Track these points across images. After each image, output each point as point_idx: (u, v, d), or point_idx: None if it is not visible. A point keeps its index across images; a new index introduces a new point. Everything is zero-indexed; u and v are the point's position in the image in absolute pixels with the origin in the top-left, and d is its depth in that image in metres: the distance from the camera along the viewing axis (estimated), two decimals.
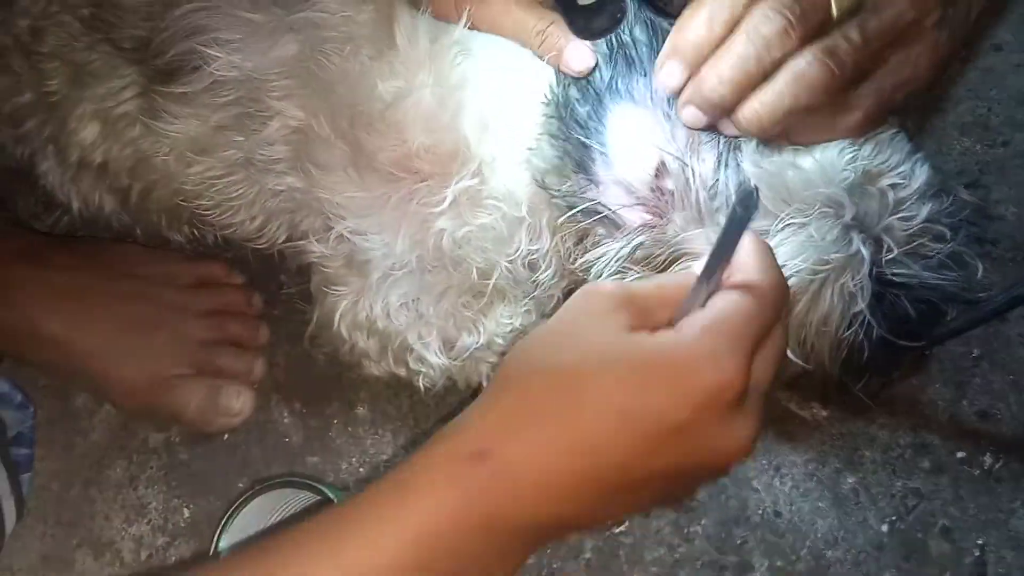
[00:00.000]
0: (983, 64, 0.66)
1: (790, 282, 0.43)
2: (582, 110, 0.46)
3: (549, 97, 0.48)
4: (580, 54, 0.45)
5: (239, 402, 0.66)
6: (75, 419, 0.71)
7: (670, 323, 0.37)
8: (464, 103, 0.50)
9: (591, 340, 0.36)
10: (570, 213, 0.47)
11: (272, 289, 0.71)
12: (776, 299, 0.37)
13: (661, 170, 0.46)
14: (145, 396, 0.66)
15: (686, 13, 0.42)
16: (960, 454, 0.58)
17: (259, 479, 0.64)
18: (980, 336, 0.60)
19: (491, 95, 0.50)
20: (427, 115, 0.49)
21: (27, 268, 0.65)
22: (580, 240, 0.52)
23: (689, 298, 0.37)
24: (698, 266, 0.37)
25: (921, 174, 0.45)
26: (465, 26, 0.49)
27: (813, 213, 0.44)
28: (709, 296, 0.37)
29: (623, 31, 0.45)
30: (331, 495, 0.54)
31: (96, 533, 0.67)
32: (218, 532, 0.55)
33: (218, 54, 0.53)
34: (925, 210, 0.45)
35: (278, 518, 0.58)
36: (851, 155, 0.44)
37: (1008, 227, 0.62)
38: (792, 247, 0.44)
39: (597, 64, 0.45)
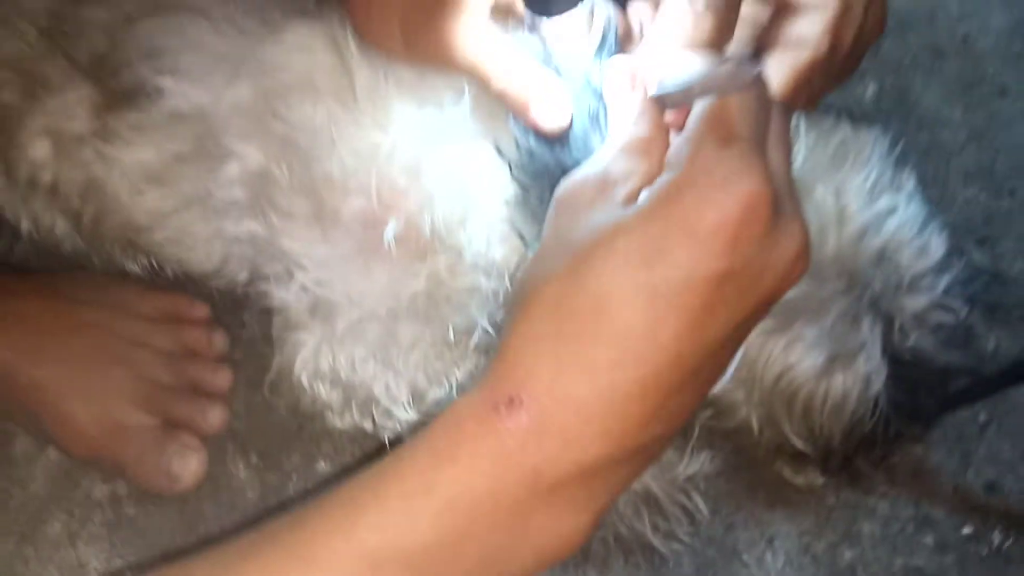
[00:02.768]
0: (988, 109, 0.63)
1: (806, 367, 0.41)
2: (552, 158, 0.42)
3: (511, 154, 0.44)
4: (554, 109, 0.41)
5: (189, 467, 0.61)
6: (13, 467, 0.66)
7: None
8: (434, 162, 0.46)
9: (584, 235, 0.31)
10: None
11: (234, 328, 0.67)
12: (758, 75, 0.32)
13: None
14: (92, 441, 0.61)
15: None
16: (966, 530, 0.55)
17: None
18: (986, 401, 0.56)
19: (462, 154, 0.46)
20: (394, 174, 0.46)
21: None
22: None
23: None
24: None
25: (938, 248, 0.42)
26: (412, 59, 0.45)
27: (836, 291, 0.42)
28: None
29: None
30: None
31: None
32: None
33: (175, 85, 0.50)
34: (941, 284, 0.42)
35: None
36: (872, 228, 0.42)
37: (1017, 285, 0.59)
38: (815, 333, 0.42)
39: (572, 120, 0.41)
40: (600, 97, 0.40)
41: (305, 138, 0.48)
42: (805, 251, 0.30)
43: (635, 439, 0.30)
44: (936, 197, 0.62)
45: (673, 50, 0.37)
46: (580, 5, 0.42)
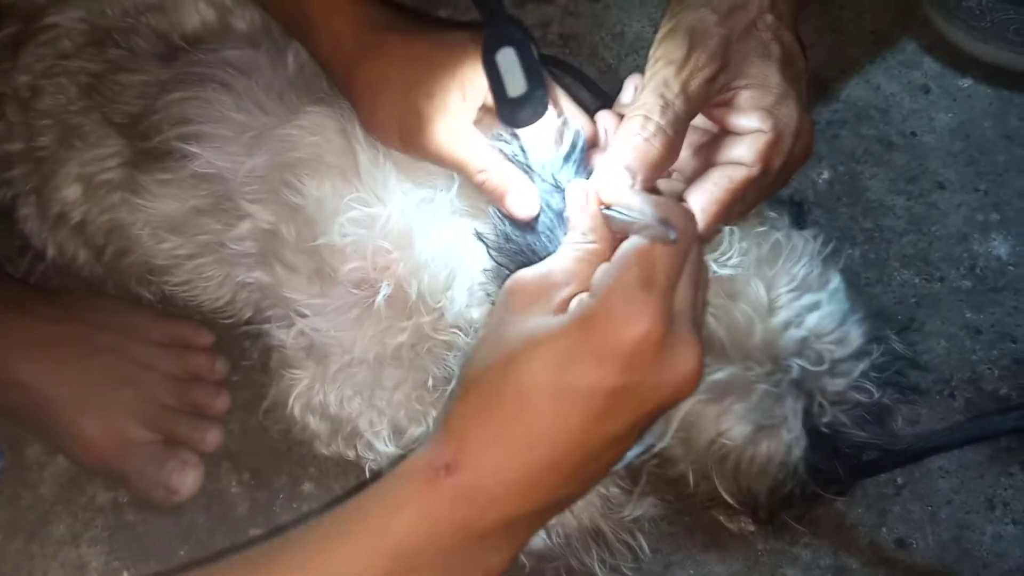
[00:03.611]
0: (927, 200, 0.69)
1: (735, 435, 0.47)
2: (524, 242, 0.48)
3: (489, 237, 0.50)
4: (524, 201, 0.48)
5: (186, 482, 0.66)
6: (25, 471, 0.71)
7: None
8: (425, 235, 0.52)
9: (520, 331, 0.38)
10: None
11: (235, 354, 0.72)
12: (683, 231, 0.39)
13: None
14: (99, 453, 0.67)
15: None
16: None
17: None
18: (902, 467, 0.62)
19: (449, 229, 0.52)
20: (388, 243, 0.52)
21: (11, 316, 0.66)
22: None
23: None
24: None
25: (856, 337, 0.49)
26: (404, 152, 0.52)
27: (764, 370, 0.48)
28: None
29: (575, 175, 0.48)
30: None
31: None
32: None
33: (199, 151, 0.56)
34: (857, 370, 0.48)
35: None
36: (796, 320, 0.48)
37: (938, 360, 0.65)
38: (743, 408, 0.49)
39: (541, 210, 0.48)
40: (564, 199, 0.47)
41: (311, 206, 0.54)
42: (696, 373, 0.38)
43: (547, 499, 0.38)
44: (875, 278, 0.68)
45: (625, 182, 0.44)
46: (545, 119, 0.49)
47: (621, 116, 0.49)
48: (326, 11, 0.51)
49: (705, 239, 0.46)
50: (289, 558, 0.38)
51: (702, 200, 0.45)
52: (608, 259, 0.40)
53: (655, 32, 0.77)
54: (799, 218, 0.56)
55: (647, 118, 0.45)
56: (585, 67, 0.77)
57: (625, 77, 0.78)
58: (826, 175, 0.71)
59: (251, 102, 0.56)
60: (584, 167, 0.48)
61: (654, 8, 0.79)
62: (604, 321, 0.36)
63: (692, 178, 0.47)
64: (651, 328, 0.36)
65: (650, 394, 0.37)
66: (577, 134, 0.49)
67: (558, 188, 0.48)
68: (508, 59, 0.48)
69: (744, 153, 0.46)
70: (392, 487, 0.39)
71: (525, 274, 0.41)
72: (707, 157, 0.48)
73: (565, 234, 0.46)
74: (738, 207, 0.47)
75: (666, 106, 0.45)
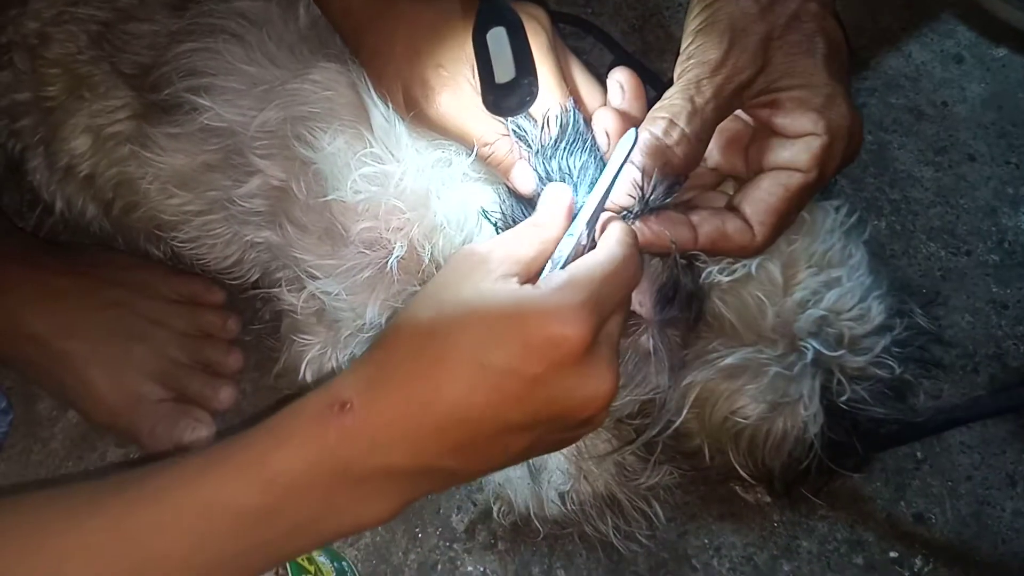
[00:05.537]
0: (956, 172, 0.68)
1: (749, 412, 0.46)
2: (524, 219, 0.47)
3: (493, 211, 0.49)
4: (525, 177, 0.47)
5: (196, 440, 0.66)
6: (36, 425, 0.71)
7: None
8: (440, 197, 0.51)
9: (457, 296, 0.38)
10: None
11: (246, 315, 0.72)
12: (631, 273, 0.40)
13: None
14: (111, 408, 0.67)
15: None
16: (893, 554, 0.60)
17: None
18: (924, 440, 0.62)
19: (464, 191, 0.51)
20: (402, 203, 0.51)
21: (21, 270, 0.66)
22: None
23: (559, 252, 0.40)
24: (575, 224, 0.41)
25: (878, 314, 0.47)
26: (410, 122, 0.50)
27: (778, 352, 0.47)
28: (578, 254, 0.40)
29: (570, 157, 0.46)
30: None
31: None
32: None
33: (210, 104, 0.55)
34: (879, 346, 0.47)
35: None
36: (814, 298, 0.46)
37: (962, 335, 0.64)
38: (756, 387, 0.47)
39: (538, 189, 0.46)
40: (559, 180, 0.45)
41: (323, 161, 0.53)
42: (608, 396, 0.38)
43: (430, 463, 0.37)
44: (900, 250, 0.67)
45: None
46: (531, 108, 0.47)
47: (619, 113, 0.46)
48: None
49: (763, 250, 0.45)
50: (158, 482, 0.38)
51: (759, 211, 0.43)
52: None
53: None
54: (826, 190, 0.54)
55: (672, 123, 0.42)
56: (607, 27, 0.75)
57: (648, 38, 0.76)
58: None
59: (262, 54, 0.55)
60: (580, 150, 0.46)
61: None
62: (543, 314, 0.36)
63: (742, 181, 0.45)
64: (583, 336, 0.36)
65: (560, 397, 0.37)
66: (567, 117, 0.46)
67: (548, 176, 0.46)
68: (499, 40, 0.46)
69: (798, 158, 0.44)
70: (281, 420, 0.38)
71: (478, 246, 0.40)
72: (756, 159, 0.46)
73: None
74: (794, 215, 0.45)
75: (694, 112, 0.42)
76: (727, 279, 0.47)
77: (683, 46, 0.46)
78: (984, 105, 0.68)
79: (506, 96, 0.47)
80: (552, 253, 0.40)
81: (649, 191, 0.43)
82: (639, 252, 0.41)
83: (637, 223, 0.43)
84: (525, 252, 0.39)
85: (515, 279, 0.38)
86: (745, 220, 0.44)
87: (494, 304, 0.37)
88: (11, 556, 0.36)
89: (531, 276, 0.39)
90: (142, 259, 0.71)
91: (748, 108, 0.46)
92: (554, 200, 0.42)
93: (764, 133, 0.46)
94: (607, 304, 0.38)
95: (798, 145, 0.44)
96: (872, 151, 0.69)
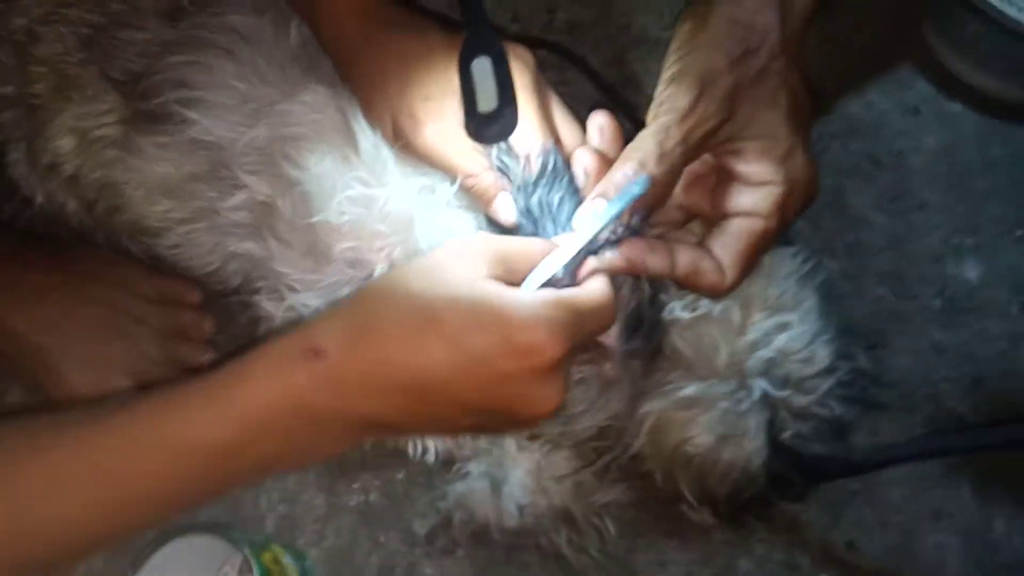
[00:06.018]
0: (908, 219, 0.72)
1: (699, 442, 0.49)
2: None
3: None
4: (506, 209, 0.50)
5: None
6: (5, 417, 0.72)
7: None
8: (424, 222, 0.53)
9: (449, 279, 0.40)
10: None
11: (221, 318, 0.73)
12: (606, 317, 0.44)
13: None
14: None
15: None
16: None
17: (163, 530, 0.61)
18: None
19: (446, 215, 0.53)
20: (384, 225, 0.53)
21: (3, 264, 0.66)
22: None
23: (546, 266, 0.43)
24: (567, 246, 0.44)
25: (824, 357, 0.51)
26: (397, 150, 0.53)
27: (729, 388, 0.51)
28: (565, 277, 0.44)
29: (549, 194, 0.49)
30: (239, 543, 0.57)
31: None
32: None
33: (198, 118, 0.56)
34: (823, 387, 0.51)
35: (189, 569, 0.60)
36: (764, 340, 0.50)
37: (902, 375, 0.68)
38: (708, 419, 0.51)
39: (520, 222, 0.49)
40: (538, 214, 0.48)
41: (310, 182, 0.54)
42: (552, 412, 0.41)
43: (389, 416, 0.41)
44: (851, 291, 0.71)
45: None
46: (511, 138, 0.50)
47: (597, 153, 0.49)
48: (332, 1, 0.52)
49: (730, 292, 0.48)
50: (125, 416, 0.40)
51: (728, 254, 0.47)
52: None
53: (662, 29, 0.79)
54: (785, 234, 0.58)
55: (642, 165, 0.45)
56: (589, 57, 0.77)
57: (629, 70, 0.79)
58: None
59: (252, 72, 0.56)
60: (558, 186, 0.49)
61: (662, 3, 0.80)
62: (531, 322, 0.39)
63: (706, 220, 0.49)
64: (558, 354, 0.39)
65: (517, 398, 0.40)
66: (548, 156, 0.49)
67: (528, 212, 0.49)
68: (483, 70, 0.49)
69: (760, 205, 0.47)
70: (252, 360, 0.40)
71: (477, 238, 0.44)
72: (720, 201, 0.49)
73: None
74: (759, 258, 0.48)
75: (663, 155, 0.45)
76: (688, 316, 0.50)
77: (656, 91, 0.49)
78: (937, 156, 0.73)
79: (488, 125, 0.49)
80: (535, 271, 0.43)
81: (620, 223, 0.46)
82: (614, 305, 0.44)
83: (618, 247, 0.46)
84: (516, 261, 0.43)
85: (503, 279, 0.41)
86: (717, 261, 0.47)
87: (486, 296, 0.40)
88: None
89: (515, 284, 0.42)
90: (123, 257, 0.72)
91: (714, 153, 0.49)
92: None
93: (728, 177, 0.49)
94: (581, 335, 0.42)
95: (760, 193, 0.47)
96: (831, 194, 0.73)
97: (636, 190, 0.45)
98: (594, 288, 0.44)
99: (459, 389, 0.40)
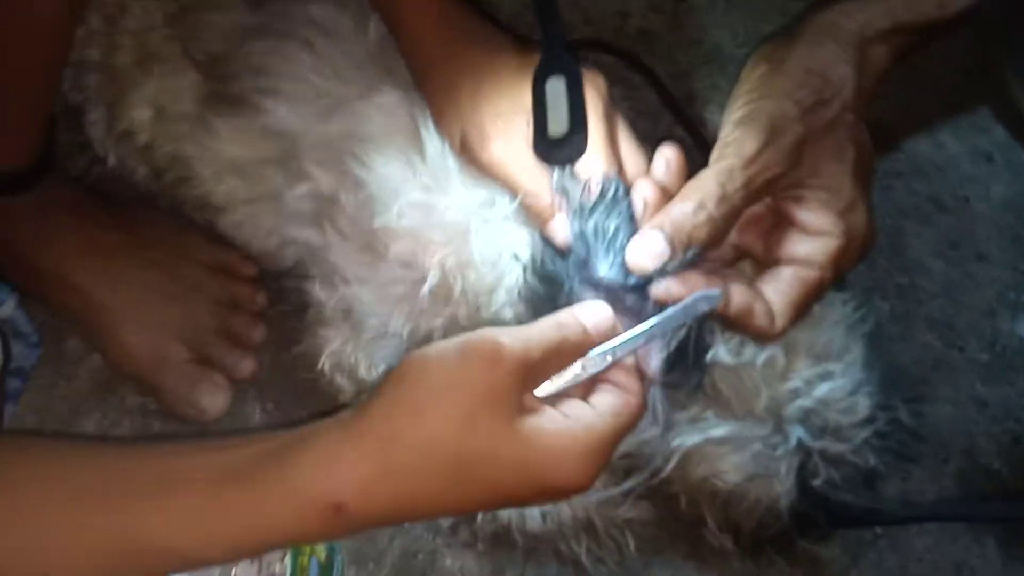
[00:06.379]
0: (966, 268, 0.71)
1: (728, 479, 0.50)
2: (552, 272, 0.50)
3: (525, 256, 0.52)
4: (561, 229, 0.50)
5: (216, 403, 0.70)
6: (63, 362, 0.75)
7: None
8: (480, 234, 0.54)
9: (482, 430, 0.39)
10: None
11: (273, 292, 0.75)
12: (635, 421, 0.43)
13: None
14: (138, 362, 0.71)
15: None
16: None
17: None
18: None
19: (503, 230, 0.54)
20: (442, 232, 0.54)
21: (70, 220, 0.69)
22: None
23: (574, 374, 0.42)
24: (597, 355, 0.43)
25: (864, 409, 0.51)
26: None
27: (764, 431, 0.51)
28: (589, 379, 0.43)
29: (606, 220, 0.48)
30: None
31: None
32: None
33: (273, 107, 0.57)
34: (859, 437, 0.51)
35: None
36: (805, 388, 0.50)
37: (941, 425, 0.68)
38: (739, 458, 0.52)
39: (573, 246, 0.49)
40: (592, 239, 0.48)
41: (374, 182, 0.56)
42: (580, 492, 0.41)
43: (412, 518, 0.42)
44: (898, 334, 0.70)
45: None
46: (580, 160, 0.49)
47: (659, 186, 0.49)
48: (413, 9, 0.52)
49: (779, 339, 0.48)
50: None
51: (781, 302, 0.47)
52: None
53: (736, 47, 0.78)
54: (841, 276, 0.57)
55: (702, 205, 0.45)
56: (657, 68, 0.77)
57: (697, 85, 0.79)
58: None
59: (330, 67, 0.57)
60: (615, 214, 0.49)
61: (737, 20, 0.79)
62: (567, 471, 0.39)
63: (758, 261, 0.49)
64: (584, 485, 0.40)
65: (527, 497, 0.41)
66: (608, 183, 0.49)
67: (582, 236, 0.49)
68: (557, 91, 0.49)
69: (815, 256, 0.47)
70: (269, 496, 0.39)
71: (498, 334, 0.41)
72: (774, 246, 0.49)
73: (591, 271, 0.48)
74: (809, 308, 0.48)
75: (723, 198, 0.45)
76: (733, 361, 0.50)
77: (722, 133, 0.48)
78: (1004, 207, 0.71)
79: (557, 147, 0.50)
80: (562, 364, 0.42)
81: (672, 259, 0.46)
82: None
83: (676, 278, 0.46)
84: (535, 357, 0.41)
85: (532, 411, 0.40)
86: (768, 305, 0.47)
87: (521, 453, 0.39)
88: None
89: (536, 382, 0.42)
90: (184, 224, 0.74)
91: (774, 197, 0.49)
92: (588, 311, 0.45)
93: (785, 222, 0.49)
94: (612, 453, 0.41)
95: (817, 243, 0.47)
96: (889, 234, 0.72)
97: (703, 307, 0.44)
98: (629, 404, 0.43)
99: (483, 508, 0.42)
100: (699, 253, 0.48)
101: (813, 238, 0.47)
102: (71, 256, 0.68)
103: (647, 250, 0.45)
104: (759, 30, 0.78)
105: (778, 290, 0.47)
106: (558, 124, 0.49)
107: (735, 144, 0.47)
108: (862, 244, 0.48)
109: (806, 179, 0.47)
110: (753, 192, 0.46)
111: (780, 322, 0.47)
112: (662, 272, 0.46)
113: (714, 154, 0.48)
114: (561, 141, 0.49)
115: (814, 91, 0.46)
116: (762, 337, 0.48)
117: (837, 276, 0.48)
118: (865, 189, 0.48)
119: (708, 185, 0.46)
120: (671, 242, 0.45)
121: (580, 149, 0.50)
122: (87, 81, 0.70)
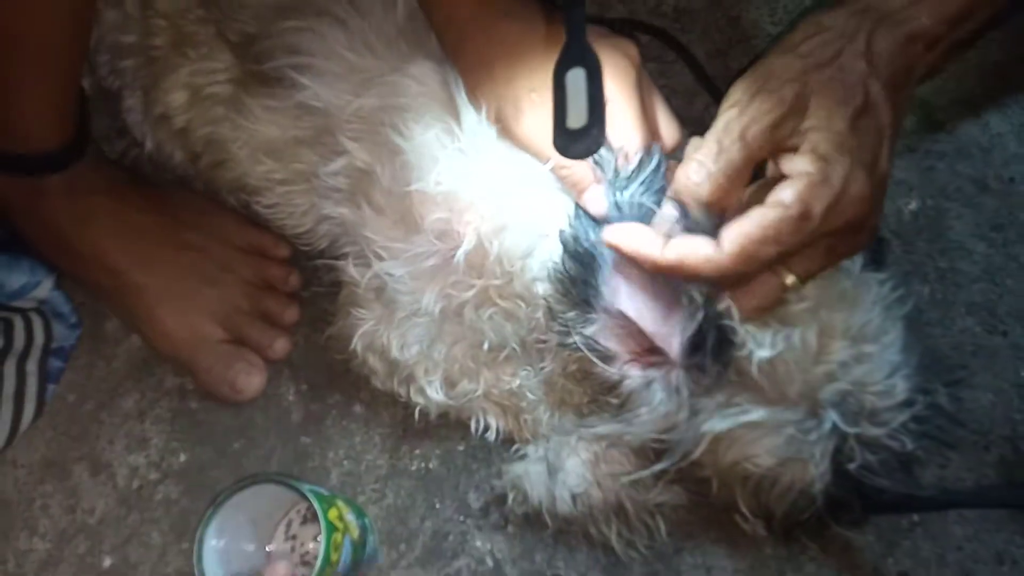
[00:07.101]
0: (1009, 251, 0.68)
1: (760, 463, 0.49)
2: (587, 244, 0.50)
3: (564, 228, 0.52)
4: (597, 200, 0.50)
5: (252, 384, 0.71)
6: (102, 343, 0.76)
7: None
8: (516, 198, 0.54)
9: None
10: (566, 343, 0.52)
11: (307, 274, 0.76)
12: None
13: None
14: (175, 343, 0.72)
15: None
16: None
17: (243, 476, 0.64)
18: None
19: (540, 199, 0.54)
20: (479, 200, 0.54)
21: (107, 202, 0.70)
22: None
23: None
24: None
25: (902, 391, 0.49)
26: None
27: (798, 416, 0.50)
28: None
29: (642, 192, 0.48)
30: (310, 497, 0.60)
31: (97, 452, 0.73)
32: (202, 524, 0.59)
33: (308, 83, 0.58)
34: (897, 420, 0.49)
35: (258, 512, 0.64)
36: (842, 369, 0.49)
37: (981, 412, 0.66)
38: (771, 443, 0.51)
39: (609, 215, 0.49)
40: (627, 209, 0.48)
41: (412, 150, 0.55)
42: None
43: None
44: (937, 319, 0.68)
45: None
46: (600, 151, 0.49)
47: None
48: None
49: (728, 270, 0.45)
50: None
51: (730, 231, 0.44)
52: None
53: (773, 25, 0.77)
54: (879, 255, 0.56)
55: (701, 163, 0.45)
56: (694, 46, 0.76)
57: (733, 64, 0.77)
58: (913, 205, 0.70)
59: (363, 43, 0.57)
60: (650, 185, 0.49)
61: None
62: None
63: None
64: None
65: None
66: (644, 154, 0.49)
67: (617, 206, 0.49)
68: (577, 82, 0.49)
69: (782, 193, 0.44)
70: None
71: None
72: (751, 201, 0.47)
73: None
74: (771, 247, 0.44)
75: (720, 152, 0.45)
76: (766, 354, 0.49)
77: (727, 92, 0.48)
78: None
79: (574, 141, 0.50)
80: None
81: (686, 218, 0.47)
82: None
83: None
84: None
85: None
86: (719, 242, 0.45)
87: None
88: None
89: None
90: (219, 206, 0.75)
91: (775, 155, 0.47)
92: None
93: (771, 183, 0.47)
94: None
95: (788, 183, 0.44)
96: (930, 216, 0.70)
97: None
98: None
99: None
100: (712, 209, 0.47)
101: (787, 183, 0.44)
102: (107, 238, 0.70)
103: (662, 218, 0.46)
104: (797, 7, 0.76)
105: (732, 225, 0.44)
106: (577, 118, 0.49)
107: (732, 96, 0.47)
108: (843, 185, 0.44)
109: (803, 123, 0.45)
110: (751, 141, 0.45)
111: (726, 248, 0.44)
112: (689, 232, 0.46)
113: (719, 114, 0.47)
114: (579, 133, 0.49)
115: (822, 42, 0.45)
116: (708, 266, 0.45)
117: (811, 216, 0.44)
118: (867, 139, 0.45)
119: (707, 143, 0.46)
120: (678, 204, 0.46)
121: (598, 143, 0.49)
122: (124, 65, 0.71)
